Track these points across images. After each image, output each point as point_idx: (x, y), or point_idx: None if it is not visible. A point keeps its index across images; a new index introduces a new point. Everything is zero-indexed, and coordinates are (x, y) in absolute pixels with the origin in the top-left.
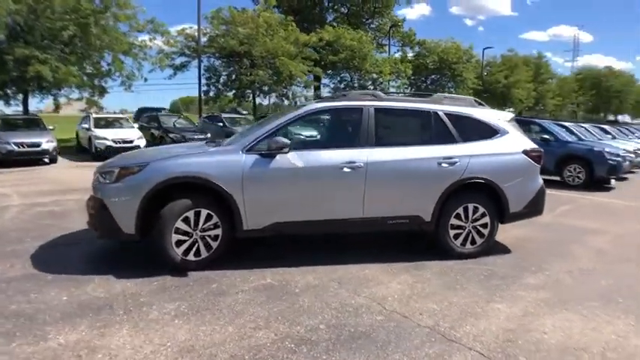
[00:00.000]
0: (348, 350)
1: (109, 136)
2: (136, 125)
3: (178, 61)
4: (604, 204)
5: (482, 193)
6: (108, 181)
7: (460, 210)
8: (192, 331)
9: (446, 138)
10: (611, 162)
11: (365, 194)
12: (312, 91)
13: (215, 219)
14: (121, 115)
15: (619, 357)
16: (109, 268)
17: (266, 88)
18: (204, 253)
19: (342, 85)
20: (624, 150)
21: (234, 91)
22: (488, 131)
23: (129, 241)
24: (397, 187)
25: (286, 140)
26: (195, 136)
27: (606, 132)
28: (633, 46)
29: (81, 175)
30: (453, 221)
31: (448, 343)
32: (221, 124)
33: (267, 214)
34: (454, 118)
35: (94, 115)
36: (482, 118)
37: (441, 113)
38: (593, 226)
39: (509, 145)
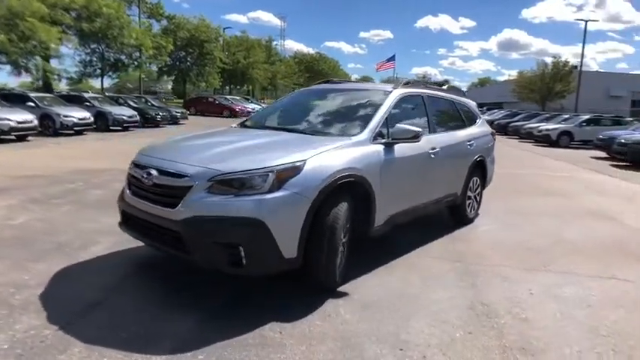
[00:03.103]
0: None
1: None
2: None
3: None
4: None
5: (479, 168)
6: (259, 191)
7: (471, 183)
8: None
9: (461, 124)
10: None
11: (438, 177)
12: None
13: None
14: None
15: None
16: (243, 318)
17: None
18: (341, 263)
19: (92, 59)
20: None
21: None
22: (474, 118)
23: (277, 272)
24: (453, 167)
25: (419, 128)
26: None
27: None
28: (320, 35)
29: None
30: (468, 193)
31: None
32: (32, 103)
33: (389, 206)
34: (461, 106)
35: None
36: (471, 107)
37: (455, 102)
38: None
39: (485, 128)
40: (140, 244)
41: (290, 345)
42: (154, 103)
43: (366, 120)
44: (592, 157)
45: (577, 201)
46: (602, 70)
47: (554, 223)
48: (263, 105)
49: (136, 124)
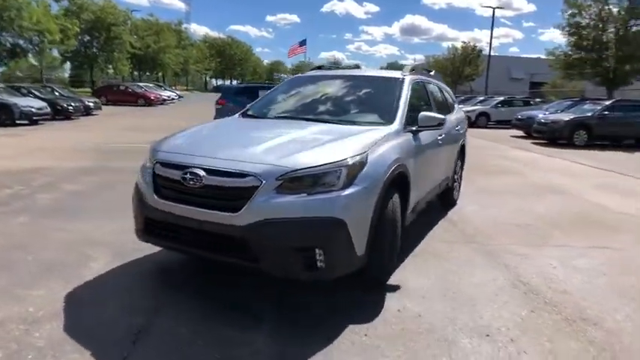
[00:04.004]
0: None
1: None
2: None
3: None
4: None
5: (462, 151)
6: (335, 188)
7: (456, 167)
8: None
9: (448, 109)
10: None
11: (442, 161)
12: None
13: None
14: None
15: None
16: (314, 323)
17: None
18: None
19: None
20: None
21: None
22: (453, 103)
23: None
24: (449, 152)
25: (443, 116)
26: None
27: None
28: (225, 18)
29: None
30: (454, 176)
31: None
32: None
33: (416, 194)
34: (446, 92)
35: None
36: (451, 92)
37: (442, 88)
38: None
39: (462, 113)
40: (146, 251)
41: (386, 346)
42: (62, 92)
43: (392, 108)
44: (512, 136)
45: (527, 178)
46: (503, 55)
47: (522, 200)
48: (177, 92)
49: (46, 116)
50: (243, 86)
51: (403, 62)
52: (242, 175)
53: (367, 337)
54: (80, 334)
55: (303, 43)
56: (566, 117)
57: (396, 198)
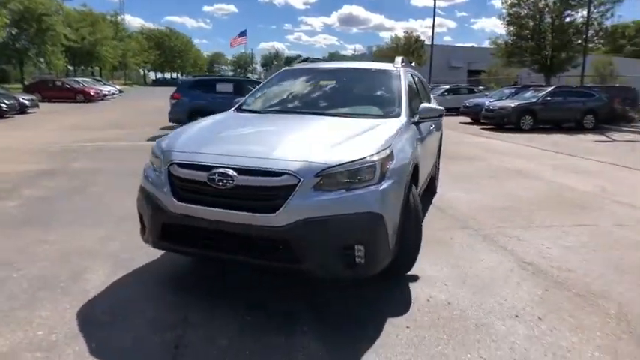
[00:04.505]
0: None
1: None
2: None
3: None
4: None
5: (440, 140)
6: (372, 182)
7: (437, 156)
8: None
9: (429, 100)
10: None
11: (432, 150)
12: None
13: None
14: None
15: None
16: (353, 321)
17: None
18: None
19: None
20: None
21: None
22: (430, 93)
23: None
24: (435, 141)
25: (442, 107)
26: None
27: None
28: (160, 9)
29: None
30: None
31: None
32: None
33: (420, 184)
34: (426, 83)
35: None
36: (427, 83)
37: (422, 79)
38: None
39: (437, 103)
40: (143, 259)
41: (431, 335)
42: None
43: (396, 101)
44: (461, 123)
45: (492, 162)
46: (442, 44)
47: (495, 184)
48: (117, 87)
49: None
50: (198, 79)
51: (343, 53)
52: (277, 173)
53: (410, 329)
54: (110, 356)
55: (243, 33)
56: (513, 103)
57: (414, 190)
